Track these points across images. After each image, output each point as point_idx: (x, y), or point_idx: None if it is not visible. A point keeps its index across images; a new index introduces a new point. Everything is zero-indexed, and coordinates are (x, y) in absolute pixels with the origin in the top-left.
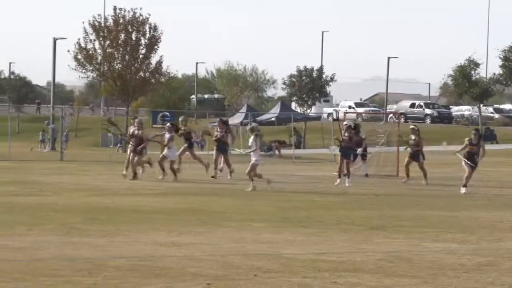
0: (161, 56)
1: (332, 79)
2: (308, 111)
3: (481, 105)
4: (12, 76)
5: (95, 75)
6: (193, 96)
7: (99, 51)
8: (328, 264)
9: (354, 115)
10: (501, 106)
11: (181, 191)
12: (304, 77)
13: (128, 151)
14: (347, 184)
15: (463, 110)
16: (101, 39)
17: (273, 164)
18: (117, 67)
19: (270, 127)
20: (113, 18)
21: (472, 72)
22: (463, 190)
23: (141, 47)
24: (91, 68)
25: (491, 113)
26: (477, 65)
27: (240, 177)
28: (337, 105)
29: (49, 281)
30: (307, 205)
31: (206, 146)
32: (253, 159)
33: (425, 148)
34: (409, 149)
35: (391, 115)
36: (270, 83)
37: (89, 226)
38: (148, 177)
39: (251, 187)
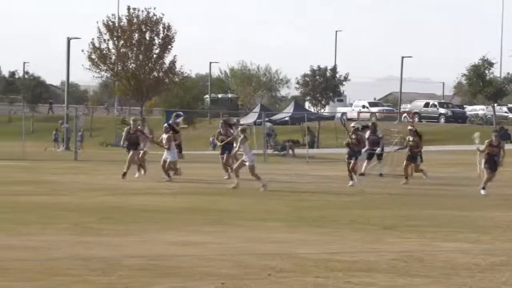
0: (175, 55)
1: (345, 79)
2: (322, 110)
3: (495, 105)
4: (26, 76)
5: (109, 75)
6: (206, 95)
7: (113, 51)
8: (341, 264)
9: (367, 115)
10: None
11: (193, 190)
12: (317, 77)
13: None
14: (350, 184)
15: (477, 109)
16: (115, 39)
17: (286, 164)
18: (131, 67)
19: (283, 126)
20: (127, 18)
21: (486, 72)
22: (482, 191)
23: (155, 47)
24: (105, 68)
25: (505, 112)
26: (491, 64)
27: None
28: (351, 104)
29: (63, 281)
30: (321, 205)
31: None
32: (247, 161)
33: (440, 148)
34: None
35: (405, 114)
36: (283, 83)
37: (103, 226)
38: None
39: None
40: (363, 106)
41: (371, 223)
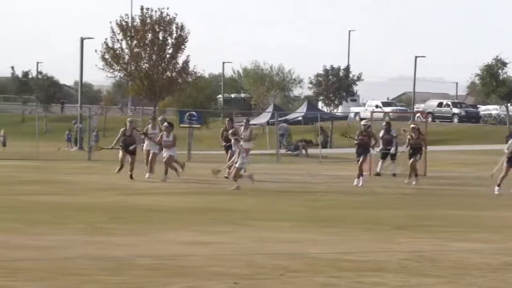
0: (188, 55)
1: (359, 78)
2: (335, 110)
3: (509, 104)
4: (39, 76)
5: (122, 75)
6: (219, 95)
7: (126, 50)
8: (352, 264)
9: (381, 114)
10: None
11: (206, 190)
12: (330, 76)
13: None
14: (355, 184)
15: (491, 109)
16: (128, 39)
17: (299, 164)
18: (144, 66)
19: (296, 126)
20: (140, 18)
21: (500, 71)
22: (496, 189)
23: (168, 47)
24: (118, 67)
25: None
26: (504, 64)
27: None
28: (364, 104)
29: (75, 280)
30: (333, 205)
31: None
32: (237, 163)
33: (453, 148)
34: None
35: (418, 114)
36: (296, 83)
37: (115, 225)
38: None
39: (235, 186)
40: (376, 106)
41: (383, 223)
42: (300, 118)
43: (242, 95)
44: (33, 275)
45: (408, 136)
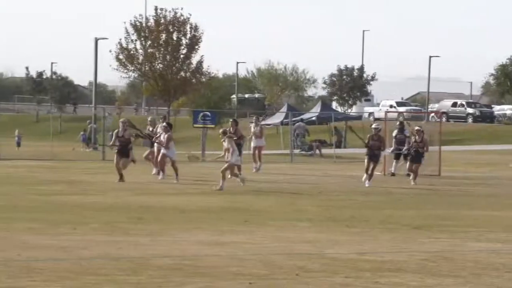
0: (202, 56)
1: (373, 78)
2: (349, 110)
3: None
4: (54, 76)
5: (136, 75)
6: (233, 95)
7: (140, 51)
8: (370, 264)
9: (395, 114)
10: None
11: (224, 191)
12: (344, 76)
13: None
14: (366, 185)
15: (505, 109)
16: (142, 39)
17: (314, 164)
18: (158, 67)
19: (310, 126)
20: (154, 18)
21: None
22: None
23: (182, 47)
24: (132, 68)
25: None
26: None
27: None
28: (378, 104)
29: (94, 280)
30: (350, 205)
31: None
32: (232, 160)
33: (468, 148)
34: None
35: (432, 114)
36: (310, 83)
37: (133, 225)
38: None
39: (219, 185)
40: (391, 106)
41: (400, 223)
42: (314, 118)
43: (256, 95)
44: (51, 275)
45: (413, 138)
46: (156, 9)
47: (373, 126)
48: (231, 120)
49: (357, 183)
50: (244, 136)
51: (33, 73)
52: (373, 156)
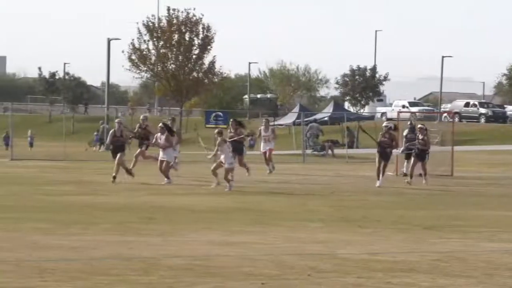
0: (214, 56)
1: (385, 78)
2: (362, 110)
3: None
4: (66, 77)
5: (149, 76)
6: (245, 96)
7: (153, 51)
8: (382, 264)
9: (407, 114)
10: None
11: (235, 190)
12: (357, 76)
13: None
14: (377, 185)
15: None
16: (155, 39)
17: (326, 164)
18: (170, 67)
19: (322, 126)
20: (167, 18)
21: None
22: None
23: (194, 48)
24: (145, 68)
25: None
26: None
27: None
28: (391, 104)
29: (106, 280)
30: (362, 205)
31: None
32: (226, 164)
33: (480, 148)
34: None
35: (445, 114)
36: (323, 83)
37: (145, 226)
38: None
39: (214, 184)
40: (403, 106)
41: (412, 223)
42: (326, 119)
43: (268, 95)
44: (63, 276)
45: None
46: (168, 9)
47: (384, 124)
48: (231, 120)
49: (369, 184)
50: (246, 137)
51: (46, 74)
52: (384, 154)
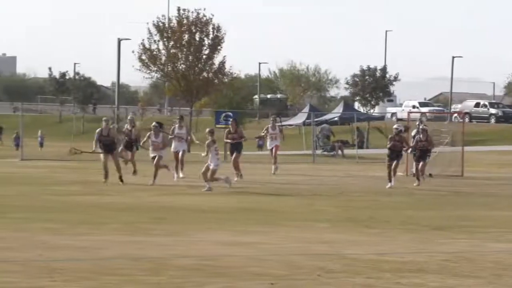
0: (224, 56)
1: (395, 79)
2: (372, 111)
3: None
4: (77, 77)
5: (159, 76)
6: (255, 96)
7: (163, 51)
8: (391, 265)
9: (418, 115)
10: None
11: (245, 191)
12: (367, 77)
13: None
14: (388, 186)
15: None
16: (165, 39)
17: (336, 164)
18: (180, 67)
19: (332, 127)
20: (177, 19)
21: None
22: None
23: (205, 48)
24: (155, 68)
25: None
26: None
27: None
28: (401, 104)
29: (114, 280)
30: (371, 205)
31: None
32: (211, 164)
33: (490, 148)
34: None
35: (455, 114)
36: (333, 83)
37: (154, 226)
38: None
39: (207, 188)
40: (413, 106)
41: (421, 224)
42: (336, 119)
43: (278, 95)
44: (72, 276)
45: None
46: (178, 9)
47: (394, 126)
48: (231, 120)
49: (379, 184)
50: (245, 137)
51: (56, 74)
52: (395, 158)
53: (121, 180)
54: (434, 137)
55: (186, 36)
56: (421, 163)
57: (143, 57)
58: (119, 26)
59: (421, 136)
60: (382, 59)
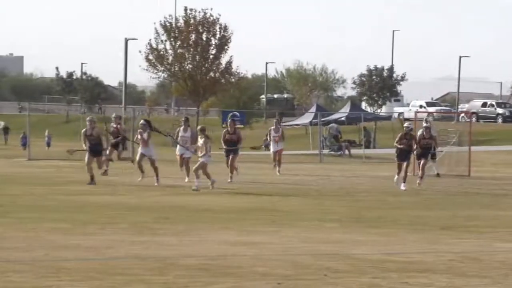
0: (231, 56)
1: (403, 78)
2: (379, 110)
3: None
4: (84, 77)
5: (166, 76)
6: (262, 96)
7: (170, 51)
8: (397, 265)
9: (425, 115)
10: None
11: (251, 190)
12: (374, 77)
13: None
14: (403, 188)
15: None
16: (172, 39)
17: (343, 164)
18: (187, 67)
19: (340, 126)
20: (184, 18)
21: None
22: None
23: (212, 48)
24: (162, 68)
25: None
26: None
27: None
28: (408, 104)
29: (121, 280)
30: (378, 205)
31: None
32: (203, 158)
33: (497, 148)
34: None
35: (462, 114)
36: (339, 83)
37: (161, 225)
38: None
39: (196, 186)
40: (421, 106)
41: (428, 224)
42: (343, 119)
43: (285, 95)
44: (79, 275)
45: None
46: (185, 9)
47: (405, 125)
48: (229, 119)
49: (385, 183)
50: (241, 142)
51: (63, 74)
52: (405, 157)
53: (93, 182)
54: (441, 136)
55: (193, 36)
56: (422, 161)
57: (150, 57)
58: (127, 25)
59: (424, 133)
60: (389, 59)
